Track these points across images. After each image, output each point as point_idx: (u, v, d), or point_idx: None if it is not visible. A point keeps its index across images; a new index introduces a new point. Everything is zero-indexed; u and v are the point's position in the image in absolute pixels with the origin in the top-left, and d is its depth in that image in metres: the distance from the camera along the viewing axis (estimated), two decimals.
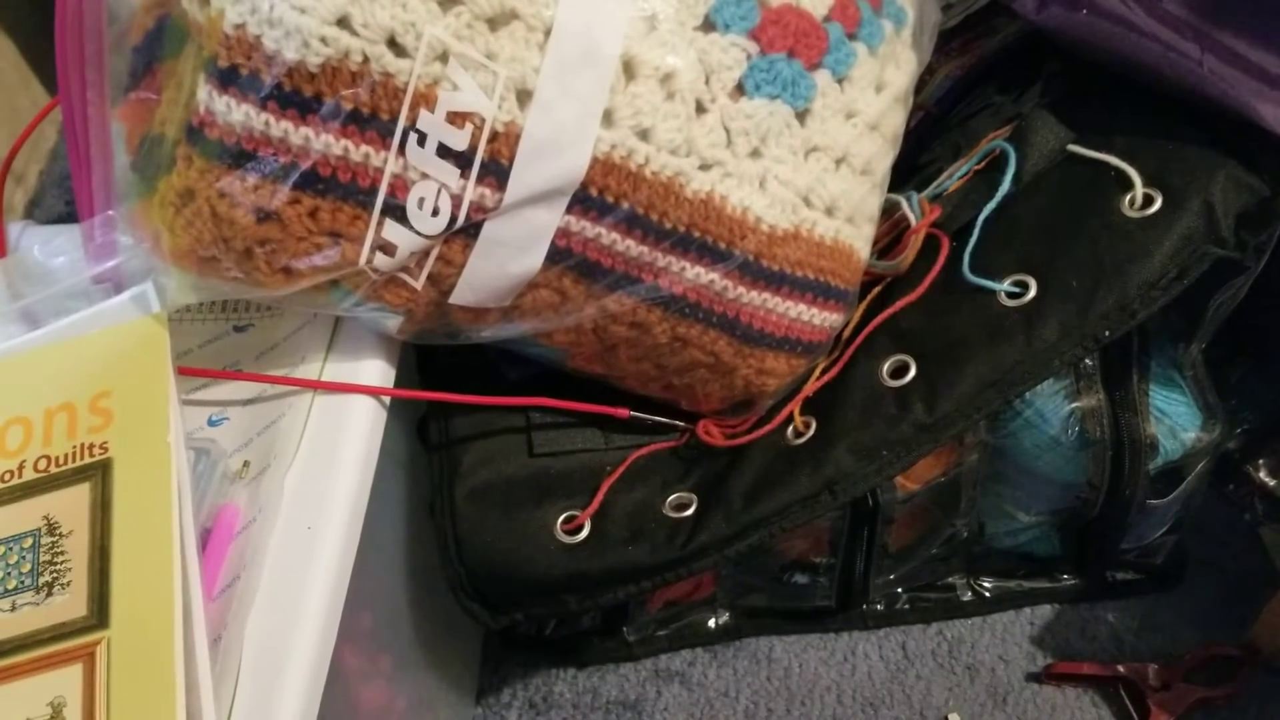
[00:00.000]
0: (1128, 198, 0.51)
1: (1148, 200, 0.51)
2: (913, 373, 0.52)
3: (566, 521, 0.52)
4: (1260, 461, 0.69)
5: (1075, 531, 0.65)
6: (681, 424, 0.55)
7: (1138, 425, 0.56)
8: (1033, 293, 0.51)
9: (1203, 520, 0.69)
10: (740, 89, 0.47)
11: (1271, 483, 0.68)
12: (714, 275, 0.48)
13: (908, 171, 0.61)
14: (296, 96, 0.41)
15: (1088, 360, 0.57)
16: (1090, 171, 0.53)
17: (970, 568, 0.68)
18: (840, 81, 0.49)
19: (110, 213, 0.49)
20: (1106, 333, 0.49)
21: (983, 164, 0.56)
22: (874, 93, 0.51)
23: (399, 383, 0.50)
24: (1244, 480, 0.69)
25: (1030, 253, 0.52)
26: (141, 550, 0.40)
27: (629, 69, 0.44)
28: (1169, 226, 0.49)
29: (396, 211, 0.43)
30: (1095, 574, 0.69)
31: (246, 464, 0.46)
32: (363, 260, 0.44)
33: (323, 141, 0.41)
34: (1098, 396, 0.57)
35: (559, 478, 0.54)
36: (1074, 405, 0.57)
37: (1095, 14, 0.52)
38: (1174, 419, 0.57)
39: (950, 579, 0.69)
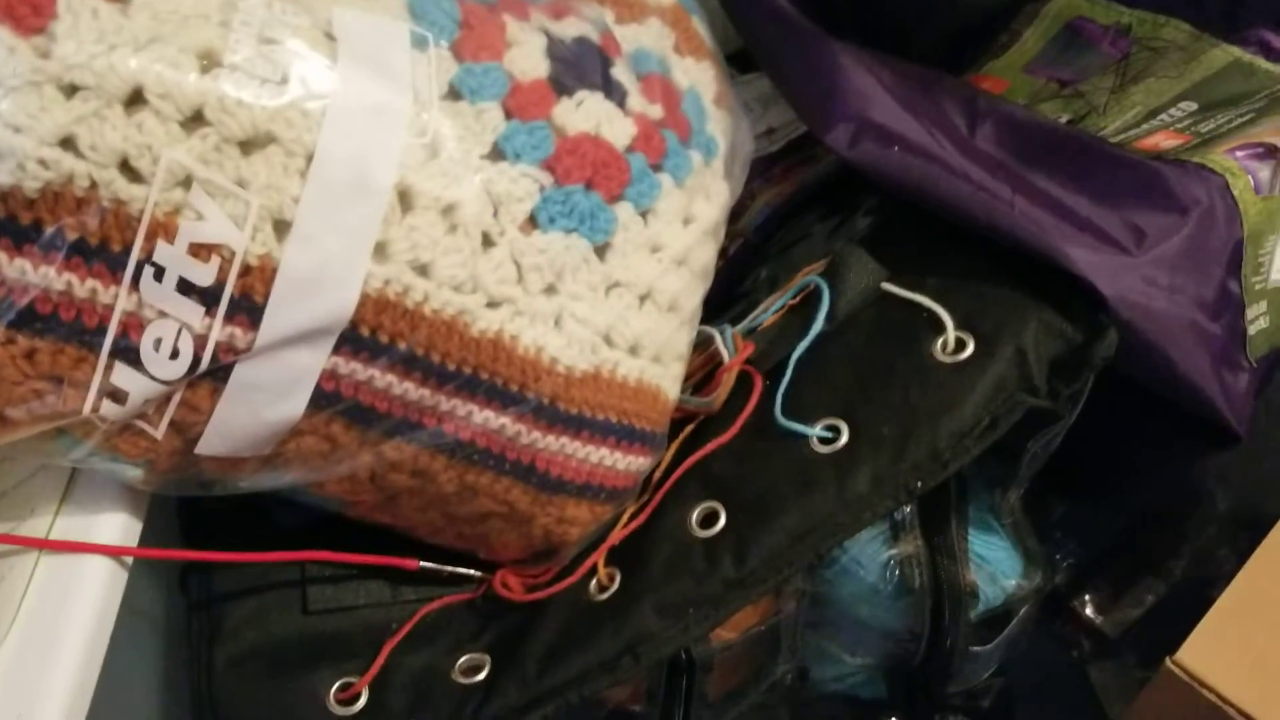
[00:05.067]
0: (940, 341, 0.49)
1: (960, 345, 0.49)
2: (722, 522, 0.49)
3: (341, 690, 0.47)
4: (1086, 597, 0.67)
5: (902, 675, 0.63)
6: (479, 574, 0.51)
7: (957, 573, 0.54)
8: (845, 439, 0.48)
9: (1031, 659, 0.67)
10: (533, 221, 0.43)
11: (1098, 619, 0.67)
12: (505, 420, 0.44)
13: (725, 300, 0.59)
14: (11, 224, 0.36)
15: (905, 506, 0.55)
16: (903, 312, 0.51)
17: (796, 714, 0.65)
18: (644, 214, 0.47)
19: None
20: (919, 484, 0.47)
21: (797, 299, 0.54)
22: (681, 226, 0.49)
23: (150, 534, 0.45)
24: (1071, 617, 0.67)
25: (842, 396, 0.49)
26: None
27: (405, 199, 0.40)
28: (980, 374, 0.47)
29: (128, 354, 0.38)
30: (923, 717, 0.66)
31: None
32: (87, 408, 0.38)
33: (41, 274, 0.36)
34: (916, 543, 0.55)
35: (336, 638, 0.49)
36: (892, 552, 0.54)
37: (907, 151, 0.51)
38: (994, 565, 0.55)
39: None
